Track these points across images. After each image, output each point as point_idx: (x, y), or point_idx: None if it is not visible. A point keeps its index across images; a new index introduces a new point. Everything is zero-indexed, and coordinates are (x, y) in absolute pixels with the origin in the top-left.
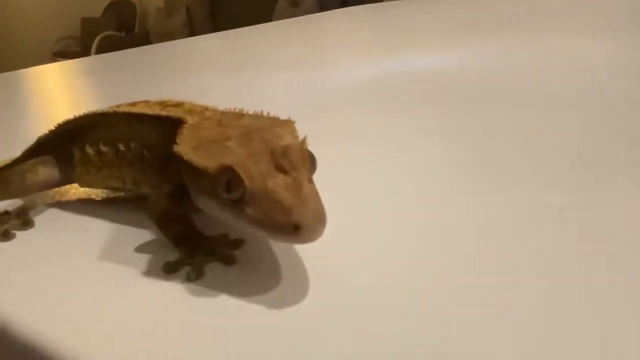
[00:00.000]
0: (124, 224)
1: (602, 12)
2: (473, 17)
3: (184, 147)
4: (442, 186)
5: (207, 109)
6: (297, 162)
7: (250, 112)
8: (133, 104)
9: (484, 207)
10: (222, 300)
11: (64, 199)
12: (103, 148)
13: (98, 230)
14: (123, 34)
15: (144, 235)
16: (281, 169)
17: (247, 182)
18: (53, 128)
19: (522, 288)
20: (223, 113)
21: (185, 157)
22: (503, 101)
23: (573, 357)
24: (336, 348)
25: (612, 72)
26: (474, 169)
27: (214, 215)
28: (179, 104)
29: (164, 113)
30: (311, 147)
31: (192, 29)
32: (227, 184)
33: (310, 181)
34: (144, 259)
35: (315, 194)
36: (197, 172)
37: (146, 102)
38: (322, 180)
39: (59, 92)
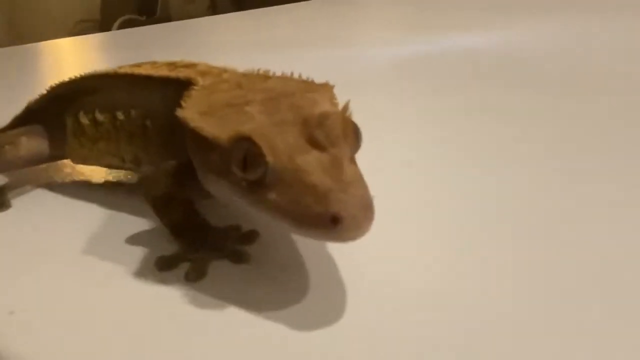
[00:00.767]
0: (119, 210)
1: None
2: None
3: (190, 112)
4: (488, 171)
5: (225, 70)
6: (336, 135)
7: (278, 73)
8: (138, 65)
9: (535, 194)
10: (227, 310)
11: (55, 180)
12: (99, 116)
13: (86, 216)
14: (144, 18)
15: (140, 224)
16: (316, 144)
17: (269, 158)
18: (45, 92)
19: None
20: (244, 75)
21: (191, 125)
22: (549, 83)
23: None
24: None
25: None
26: (520, 152)
27: (226, 201)
28: (191, 65)
29: (172, 74)
30: None
31: (216, 14)
32: (244, 159)
33: (353, 161)
34: (135, 252)
35: (359, 177)
36: (205, 143)
37: (153, 62)
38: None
39: (77, 66)
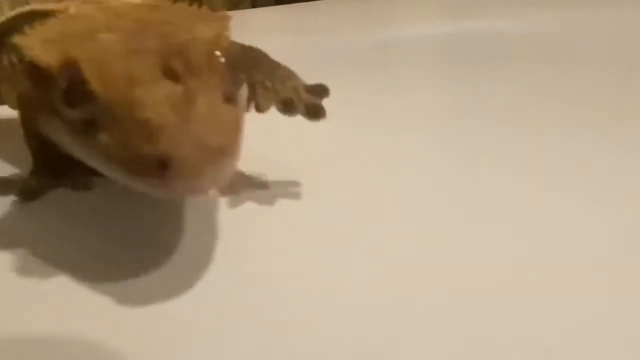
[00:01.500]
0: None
1: None
2: None
3: (31, 39)
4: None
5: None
6: (198, 65)
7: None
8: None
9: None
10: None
11: None
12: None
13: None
14: None
15: None
16: (172, 75)
17: (97, 87)
18: None
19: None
20: (135, 5)
21: (24, 51)
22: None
23: None
24: None
25: None
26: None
27: (69, 151)
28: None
29: (48, 7)
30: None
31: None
32: (69, 91)
33: (232, 100)
34: None
35: (218, 113)
36: (37, 74)
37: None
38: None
39: None
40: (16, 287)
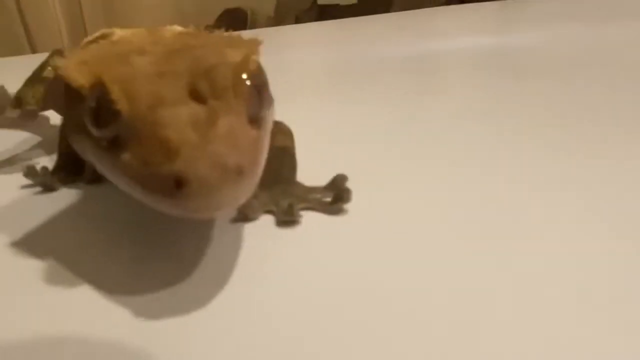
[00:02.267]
0: None
1: None
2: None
3: (68, 60)
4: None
5: (175, 28)
6: (223, 87)
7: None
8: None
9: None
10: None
11: None
12: None
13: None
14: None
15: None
16: (197, 97)
17: (123, 107)
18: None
19: None
20: (180, 32)
21: (59, 71)
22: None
23: None
24: None
25: None
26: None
27: (98, 170)
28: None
29: (98, 33)
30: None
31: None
32: (97, 111)
33: (256, 122)
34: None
35: (239, 134)
36: (70, 93)
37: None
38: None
39: None
40: (31, 266)
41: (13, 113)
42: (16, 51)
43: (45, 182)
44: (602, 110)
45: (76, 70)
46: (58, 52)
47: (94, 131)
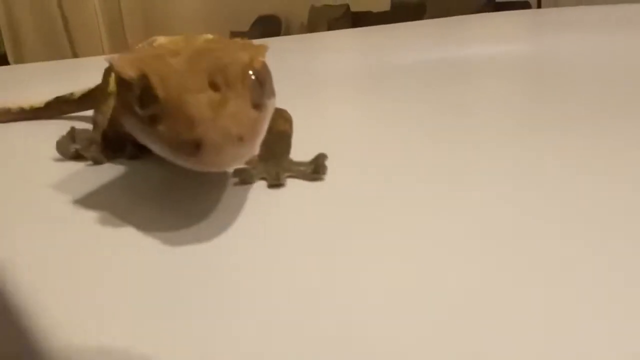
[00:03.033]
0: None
1: None
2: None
3: (120, 59)
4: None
5: (202, 36)
6: (234, 79)
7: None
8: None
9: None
10: None
11: None
12: None
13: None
14: None
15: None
16: (214, 87)
17: (160, 93)
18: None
19: None
20: (205, 38)
21: (115, 68)
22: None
23: None
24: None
25: None
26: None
27: (140, 140)
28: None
29: (150, 38)
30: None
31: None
32: (141, 96)
33: (258, 107)
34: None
35: (243, 114)
36: (122, 83)
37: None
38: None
39: None
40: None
41: (88, 152)
42: (59, 55)
43: (95, 157)
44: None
45: (127, 67)
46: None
47: (139, 110)
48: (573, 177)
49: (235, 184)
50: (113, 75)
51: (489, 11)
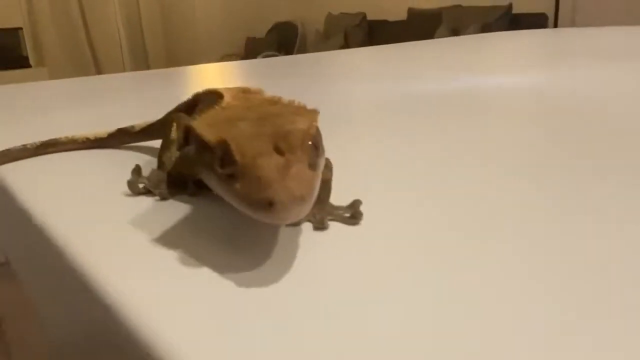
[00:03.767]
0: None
1: None
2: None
3: (199, 123)
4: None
5: (255, 96)
6: (295, 145)
7: (286, 100)
8: (227, 89)
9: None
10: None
11: None
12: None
13: None
14: (282, 54)
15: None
16: (279, 151)
17: (238, 157)
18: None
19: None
20: (260, 100)
21: (196, 131)
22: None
23: None
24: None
25: None
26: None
27: (214, 190)
28: (246, 91)
29: (213, 96)
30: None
31: None
32: (222, 158)
33: (313, 167)
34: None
35: (303, 175)
36: (202, 145)
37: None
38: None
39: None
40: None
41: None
42: (83, 72)
43: (163, 194)
44: None
45: (206, 131)
46: (176, 122)
47: (219, 170)
48: (591, 223)
49: (287, 225)
50: (175, 125)
51: (505, 23)
